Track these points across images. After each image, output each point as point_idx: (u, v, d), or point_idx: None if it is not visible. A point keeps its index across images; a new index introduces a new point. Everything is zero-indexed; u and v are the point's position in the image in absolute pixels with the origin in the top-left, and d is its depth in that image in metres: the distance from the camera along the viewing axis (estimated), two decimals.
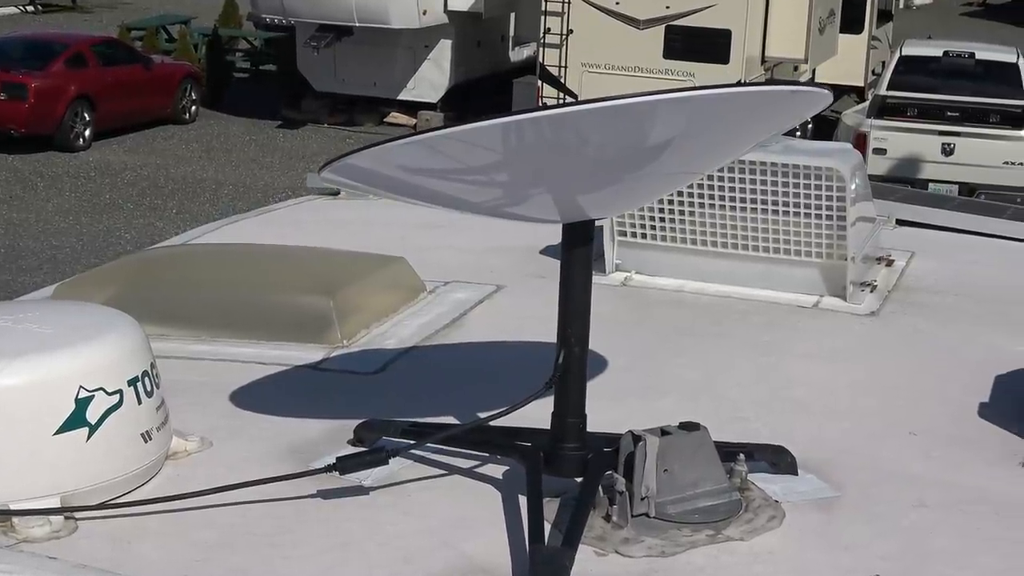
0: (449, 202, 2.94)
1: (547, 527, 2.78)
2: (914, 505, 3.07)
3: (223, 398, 3.54)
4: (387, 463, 2.97)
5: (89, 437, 2.80)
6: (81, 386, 2.79)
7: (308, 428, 3.36)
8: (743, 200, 4.60)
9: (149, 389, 2.93)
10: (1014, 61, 19.50)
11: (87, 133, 22.65)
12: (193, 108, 25.58)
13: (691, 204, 4.67)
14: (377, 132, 24.60)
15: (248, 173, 21.70)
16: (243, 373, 3.73)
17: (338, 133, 24.90)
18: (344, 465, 2.94)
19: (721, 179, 4.59)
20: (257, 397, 3.58)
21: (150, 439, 2.94)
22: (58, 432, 2.76)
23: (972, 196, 17.31)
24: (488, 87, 24.98)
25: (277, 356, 3.87)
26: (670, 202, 4.68)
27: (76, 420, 2.79)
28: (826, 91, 2.69)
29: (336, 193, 5.89)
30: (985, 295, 4.89)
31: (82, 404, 2.79)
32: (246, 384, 3.66)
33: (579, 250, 2.88)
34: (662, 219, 4.75)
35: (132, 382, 2.88)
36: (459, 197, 2.89)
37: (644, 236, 4.79)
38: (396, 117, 25.54)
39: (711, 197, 4.63)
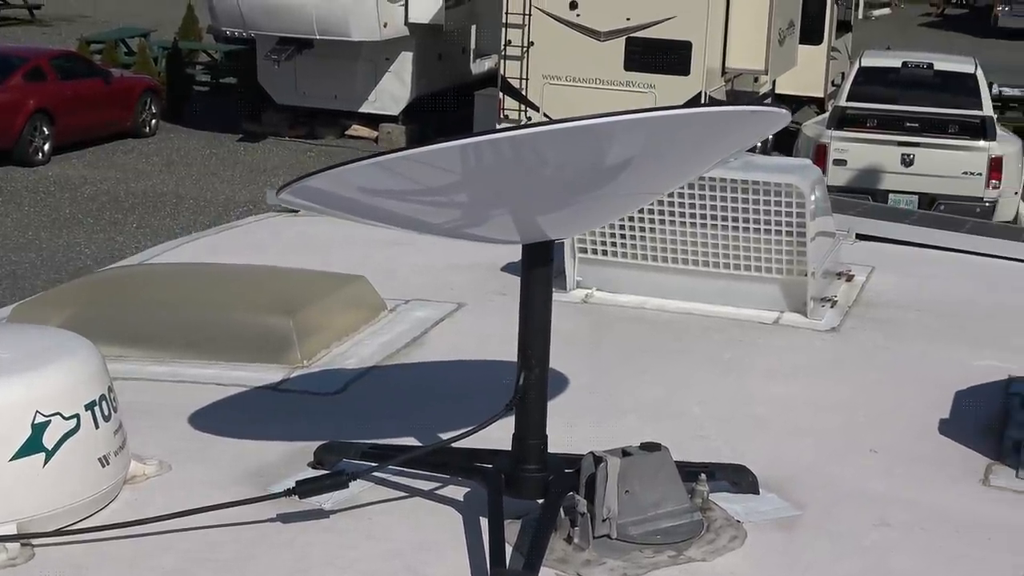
0: (408, 223, 2.93)
1: (508, 550, 2.77)
2: (876, 524, 3.07)
3: (182, 420, 3.52)
4: (347, 486, 2.96)
5: (46, 462, 2.78)
6: (37, 411, 2.76)
7: (268, 450, 3.33)
8: (703, 216, 4.61)
9: (107, 413, 2.91)
10: (972, 71, 19.62)
11: (46, 147, 22.52)
12: (153, 122, 25.47)
13: (651, 221, 4.67)
14: (338, 145, 24.56)
15: (209, 187, 21.61)
16: (202, 394, 3.70)
17: (299, 146, 24.84)
18: (304, 489, 2.92)
19: (681, 196, 4.59)
20: (216, 419, 3.55)
21: (108, 463, 2.91)
22: (14, 458, 2.74)
23: (932, 206, 17.43)
24: (450, 99, 24.98)
25: (236, 377, 3.85)
26: (631, 219, 4.68)
27: (33, 445, 2.76)
28: (785, 111, 2.69)
29: (296, 210, 5.88)
30: (945, 310, 4.90)
31: (38, 429, 2.76)
32: (205, 406, 3.63)
33: (539, 270, 2.87)
34: (623, 236, 4.74)
35: (89, 406, 2.86)
36: (418, 218, 2.88)
37: (605, 253, 4.79)
38: (357, 130, 25.50)
39: (671, 214, 4.64)
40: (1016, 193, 18.77)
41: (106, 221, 19.22)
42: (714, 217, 4.60)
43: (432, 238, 3.14)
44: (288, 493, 2.92)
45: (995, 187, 18.10)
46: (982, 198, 17.94)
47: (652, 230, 4.69)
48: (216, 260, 4.94)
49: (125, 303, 4.27)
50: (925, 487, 3.33)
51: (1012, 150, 18.69)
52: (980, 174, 18.08)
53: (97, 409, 2.87)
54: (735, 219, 4.58)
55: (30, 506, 2.76)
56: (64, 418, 2.80)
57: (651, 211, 4.64)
